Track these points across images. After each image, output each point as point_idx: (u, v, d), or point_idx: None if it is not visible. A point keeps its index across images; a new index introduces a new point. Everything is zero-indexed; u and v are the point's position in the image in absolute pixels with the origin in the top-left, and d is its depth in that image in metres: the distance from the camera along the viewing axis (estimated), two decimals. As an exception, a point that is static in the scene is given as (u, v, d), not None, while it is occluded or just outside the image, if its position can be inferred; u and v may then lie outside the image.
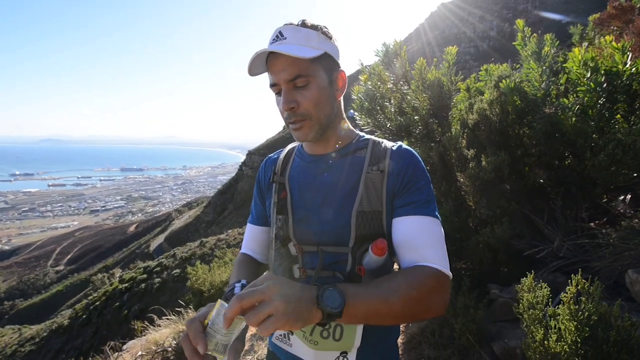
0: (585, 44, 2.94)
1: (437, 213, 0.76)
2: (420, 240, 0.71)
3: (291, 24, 0.74)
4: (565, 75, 1.63)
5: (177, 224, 43.59)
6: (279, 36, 0.72)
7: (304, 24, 0.74)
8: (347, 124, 0.85)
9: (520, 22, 1.70)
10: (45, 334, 22.07)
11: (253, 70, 0.75)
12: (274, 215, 0.85)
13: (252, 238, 0.96)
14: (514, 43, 1.76)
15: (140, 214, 74.57)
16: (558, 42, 1.89)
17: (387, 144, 0.83)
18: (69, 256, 48.25)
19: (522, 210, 1.80)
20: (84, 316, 20.65)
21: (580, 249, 1.68)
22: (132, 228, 53.88)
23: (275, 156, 0.96)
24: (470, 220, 1.94)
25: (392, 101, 2.42)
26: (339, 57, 0.79)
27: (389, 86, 2.43)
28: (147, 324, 5.22)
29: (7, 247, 56.87)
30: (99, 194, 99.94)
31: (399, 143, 0.83)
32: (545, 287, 0.86)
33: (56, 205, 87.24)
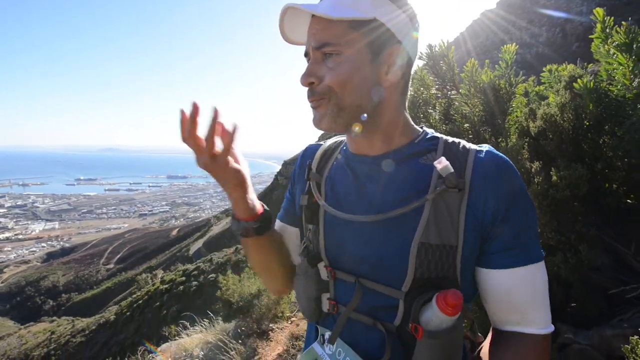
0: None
1: (541, 250, 0.57)
2: (524, 296, 0.55)
3: None
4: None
5: (215, 230, 45.36)
6: None
7: None
8: (406, 118, 0.64)
9: (599, 11, 1.42)
10: (94, 327, 23.79)
11: (288, 33, 0.59)
12: (303, 222, 0.68)
13: None
14: (591, 36, 1.48)
15: (182, 219, 78.92)
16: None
17: (467, 146, 0.60)
18: (118, 255, 52.16)
19: (602, 237, 1.47)
20: (128, 313, 21.98)
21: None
22: (174, 232, 57.04)
23: (317, 146, 0.76)
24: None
25: (437, 108, 2.20)
26: (404, 29, 0.56)
27: (433, 92, 2.22)
28: (180, 328, 5.34)
29: (67, 245, 63.07)
30: (147, 199, 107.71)
31: (486, 147, 0.60)
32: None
33: (110, 208, 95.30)
